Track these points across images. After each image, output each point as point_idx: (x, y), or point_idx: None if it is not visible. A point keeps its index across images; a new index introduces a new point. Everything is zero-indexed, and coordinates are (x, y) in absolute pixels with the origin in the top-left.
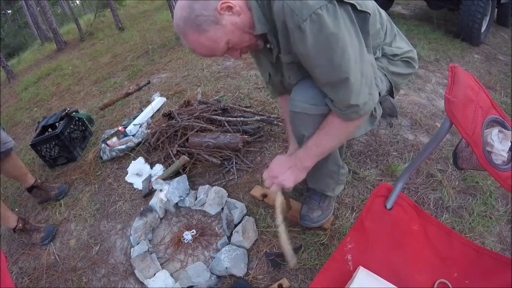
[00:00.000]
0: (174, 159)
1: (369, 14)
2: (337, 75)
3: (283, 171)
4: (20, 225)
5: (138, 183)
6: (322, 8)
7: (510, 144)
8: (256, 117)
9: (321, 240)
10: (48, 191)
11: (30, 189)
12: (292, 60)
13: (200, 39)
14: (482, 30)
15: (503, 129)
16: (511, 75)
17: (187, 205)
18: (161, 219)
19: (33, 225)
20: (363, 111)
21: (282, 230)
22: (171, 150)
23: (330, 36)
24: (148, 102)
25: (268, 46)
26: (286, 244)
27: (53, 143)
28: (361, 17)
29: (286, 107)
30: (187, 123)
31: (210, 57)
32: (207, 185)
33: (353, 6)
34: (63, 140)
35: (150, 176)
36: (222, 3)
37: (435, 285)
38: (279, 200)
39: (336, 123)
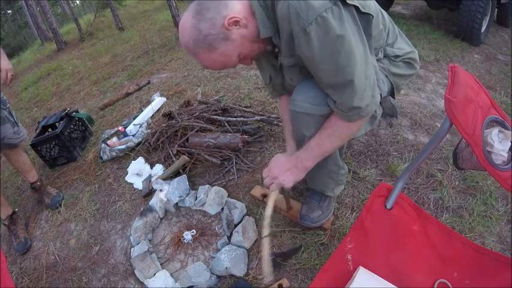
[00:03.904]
0: (174, 159)
1: (372, 16)
2: (342, 77)
3: (283, 171)
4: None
5: (138, 183)
6: (328, 10)
7: (510, 144)
8: (256, 117)
9: (321, 240)
10: (43, 197)
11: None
12: (294, 63)
13: (212, 57)
14: (482, 30)
15: (503, 129)
16: (511, 75)
17: (187, 205)
18: (161, 219)
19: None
20: (365, 113)
21: (266, 242)
22: (171, 150)
23: (336, 39)
24: (148, 102)
25: (276, 50)
26: (266, 257)
27: (53, 143)
28: (364, 19)
29: (285, 108)
30: (187, 123)
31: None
32: (207, 185)
33: (357, 8)
34: (63, 140)
35: (150, 176)
36: (229, 18)
37: (435, 285)
38: (269, 209)
39: (339, 124)
